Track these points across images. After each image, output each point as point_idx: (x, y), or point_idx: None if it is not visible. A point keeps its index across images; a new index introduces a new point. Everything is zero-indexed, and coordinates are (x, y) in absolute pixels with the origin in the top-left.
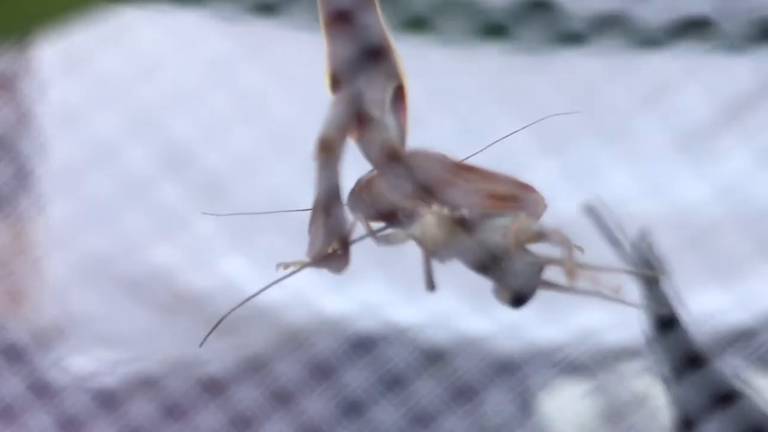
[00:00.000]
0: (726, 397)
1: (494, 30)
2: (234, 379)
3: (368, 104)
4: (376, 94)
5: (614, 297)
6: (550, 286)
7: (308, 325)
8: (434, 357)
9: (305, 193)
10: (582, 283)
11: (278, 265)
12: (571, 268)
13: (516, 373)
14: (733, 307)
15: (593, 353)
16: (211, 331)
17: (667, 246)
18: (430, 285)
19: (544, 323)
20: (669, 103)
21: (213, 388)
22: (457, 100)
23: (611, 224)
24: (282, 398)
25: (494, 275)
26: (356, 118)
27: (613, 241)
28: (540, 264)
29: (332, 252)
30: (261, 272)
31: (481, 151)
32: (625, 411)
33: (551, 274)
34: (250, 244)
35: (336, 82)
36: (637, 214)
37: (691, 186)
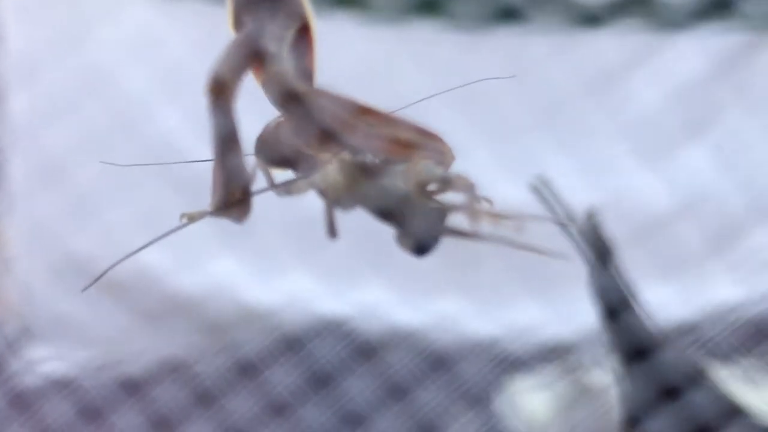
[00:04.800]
0: (673, 392)
1: (428, 6)
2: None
3: (268, 43)
4: (277, 33)
5: (518, 240)
6: (454, 232)
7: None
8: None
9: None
10: (486, 228)
11: (182, 216)
12: (475, 213)
13: (465, 370)
14: (681, 303)
15: (545, 347)
16: (89, 286)
17: (621, 251)
18: (332, 233)
19: (491, 318)
20: (618, 89)
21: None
22: (390, 78)
23: (558, 202)
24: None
25: (397, 222)
26: (256, 58)
27: (560, 219)
28: (443, 210)
29: (233, 201)
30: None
31: (400, 109)
32: (579, 406)
33: (456, 220)
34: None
35: (238, 22)
36: (582, 205)
37: (640, 178)
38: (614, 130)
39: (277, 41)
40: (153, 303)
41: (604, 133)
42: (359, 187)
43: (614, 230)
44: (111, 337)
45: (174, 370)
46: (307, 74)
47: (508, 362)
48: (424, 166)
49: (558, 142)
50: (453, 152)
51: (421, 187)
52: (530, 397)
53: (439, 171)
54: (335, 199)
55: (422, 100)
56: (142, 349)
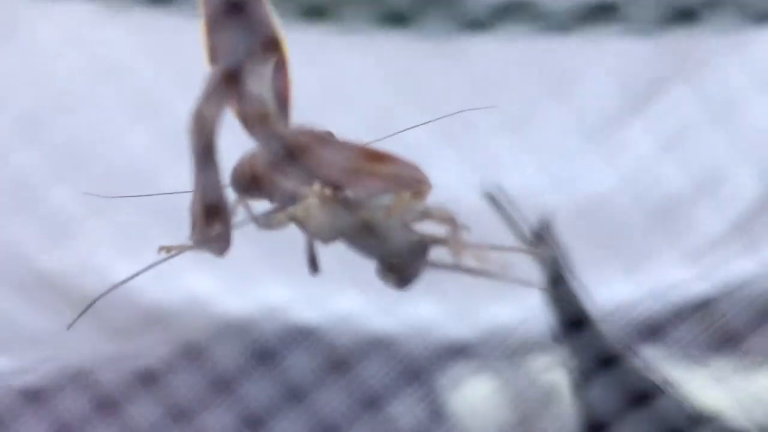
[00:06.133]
0: (639, 399)
1: (396, 18)
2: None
3: (247, 77)
4: (255, 67)
5: (502, 275)
6: (437, 265)
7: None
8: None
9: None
10: (468, 261)
11: (160, 249)
12: (457, 246)
13: (423, 373)
14: (643, 298)
15: (503, 348)
16: (80, 315)
17: (574, 236)
18: (314, 267)
19: (452, 320)
20: (575, 90)
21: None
22: (356, 90)
23: (511, 210)
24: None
25: (378, 256)
26: (235, 92)
27: (514, 227)
28: (425, 243)
29: (214, 235)
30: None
31: (380, 140)
32: (536, 407)
33: (438, 253)
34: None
35: (214, 56)
36: (543, 205)
37: (597, 175)
38: (571, 130)
39: (257, 77)
40: (125, 318)
41: (561, 132)
42: (340, 221)
43: (575, 229)
44: (81, 351)
45: (145, 382)
46: (283, 104)
47: (479, 364)
48: (405, 199)
49: (517, 144)
50: (429, 182)
51: (402, 219)
52: (488, 400)
53: (420, 204)
54: (316, 233)
55: (406, 130)
56: (113, 361)
